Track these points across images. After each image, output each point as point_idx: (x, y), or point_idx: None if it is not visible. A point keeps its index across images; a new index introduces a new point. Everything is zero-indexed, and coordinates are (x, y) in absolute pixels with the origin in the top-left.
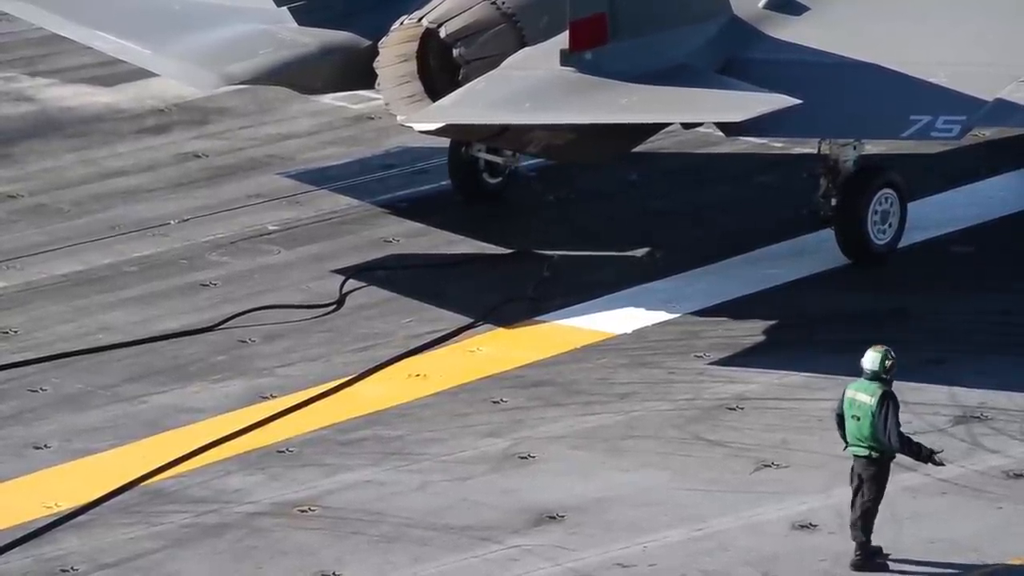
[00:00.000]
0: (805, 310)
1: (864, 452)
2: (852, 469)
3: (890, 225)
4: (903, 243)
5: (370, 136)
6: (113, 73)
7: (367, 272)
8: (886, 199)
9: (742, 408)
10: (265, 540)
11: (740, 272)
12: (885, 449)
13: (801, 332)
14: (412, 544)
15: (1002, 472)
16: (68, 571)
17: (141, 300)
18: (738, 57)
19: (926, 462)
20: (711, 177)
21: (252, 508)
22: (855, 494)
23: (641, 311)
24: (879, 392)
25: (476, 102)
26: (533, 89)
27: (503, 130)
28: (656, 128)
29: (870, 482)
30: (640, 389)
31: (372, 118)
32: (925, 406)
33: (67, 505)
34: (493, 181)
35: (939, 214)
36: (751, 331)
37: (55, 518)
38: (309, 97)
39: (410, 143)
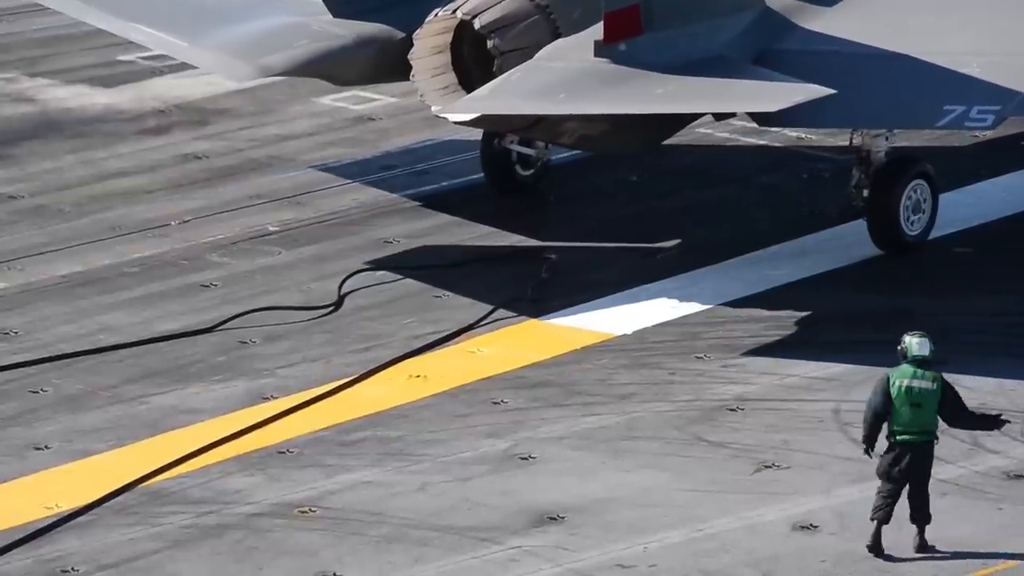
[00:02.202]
0: (805, 311)
1: (926, 439)
2: (893, 462)
3: (922, 215)
4: None
5: (371, 137)
6: (113, 74)
7: (368, 273)
8: (918, 189)
9: (743, 409)
10: (265, 541)
11: (741, 273)
12: (946, 429)
13: (802, 333)
14: (412, 545)
15: (1003, 473)
16: (68, 572)
17: (141, 301)
18: (772, 48)
19: (1001, 427)
20: (712, 178)
21: (253, 509)
22: (903, 482)
23: (641, 312)
24: (939, 376)
25: (510, 93)
26: (567, 80)
27: (537, 121)
28: (688, 119)
29: (926, 467)
30: (640, 390)
31: (372, 119)
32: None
33: (67, 506)
34: (525, 173)
35: (940, 214)
36: (751, 332)
37: (55, 519)
38: (309, 98)
39: (411, 143)
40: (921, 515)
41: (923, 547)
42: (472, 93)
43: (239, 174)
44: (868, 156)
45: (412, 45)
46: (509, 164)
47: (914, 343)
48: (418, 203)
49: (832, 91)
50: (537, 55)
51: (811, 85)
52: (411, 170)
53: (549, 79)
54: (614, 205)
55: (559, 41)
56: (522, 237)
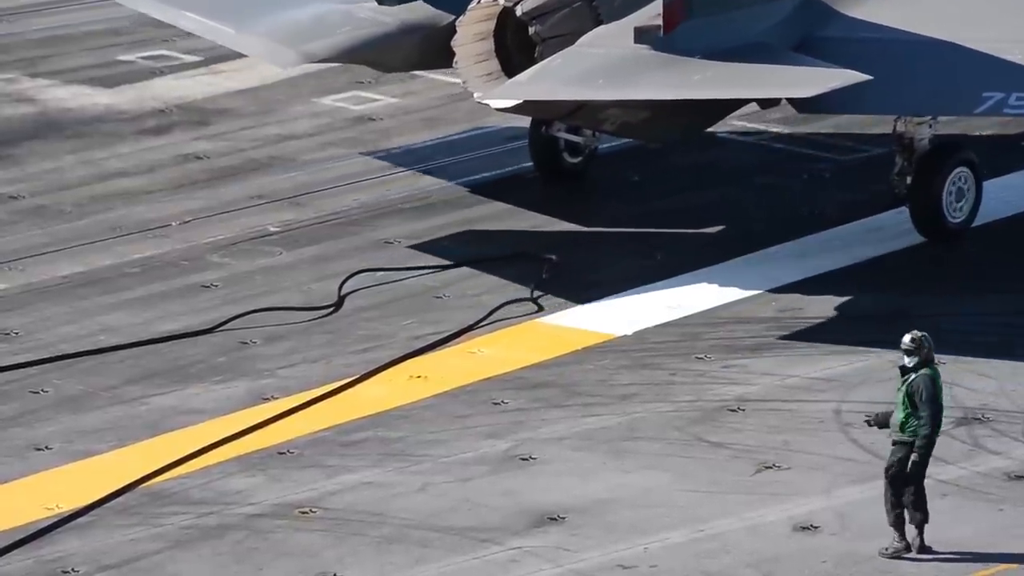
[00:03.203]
0: (806, 311)
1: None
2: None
3: (965, 203)
4: (903, 243)
5: (371, 137)
6: (113, 74)
7: (368, 274)
8: (961, 177)
9: (743, 410)
10: (266, 541)
11: (741, 273)
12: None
13: (802, 333)
14: (413, 545)
15: (1003, 474)
16: (69, 572)
17: (142, 301)
18: (814, 35)
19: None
20: (713, 178)
21: (253, 509)
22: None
23: (642, 312)
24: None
25: (550, 79)
26: (607, 66)
27: (578, 108)
28: (730, 107)
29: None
30: (641, 390)
31: (372, 119)
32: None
33: (68, 506)
34: (573, 160)
35: None
36: (752, 332)
37: (56, 519)
38: (310, 98)
39: (412, 143)
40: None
41: (923, 548)
42: (513, 79)
43: (239, 174)
44: (911, 144)
45: (456, 32)
46: (557, 151)
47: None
48: (418, 203)
49: (868, 77)
50: (578, 42)
51: (847, 71)
52: (412, 169)
53: (589, 65)
54: (614, 205)
55: (601, 28)
56: (520, 237)
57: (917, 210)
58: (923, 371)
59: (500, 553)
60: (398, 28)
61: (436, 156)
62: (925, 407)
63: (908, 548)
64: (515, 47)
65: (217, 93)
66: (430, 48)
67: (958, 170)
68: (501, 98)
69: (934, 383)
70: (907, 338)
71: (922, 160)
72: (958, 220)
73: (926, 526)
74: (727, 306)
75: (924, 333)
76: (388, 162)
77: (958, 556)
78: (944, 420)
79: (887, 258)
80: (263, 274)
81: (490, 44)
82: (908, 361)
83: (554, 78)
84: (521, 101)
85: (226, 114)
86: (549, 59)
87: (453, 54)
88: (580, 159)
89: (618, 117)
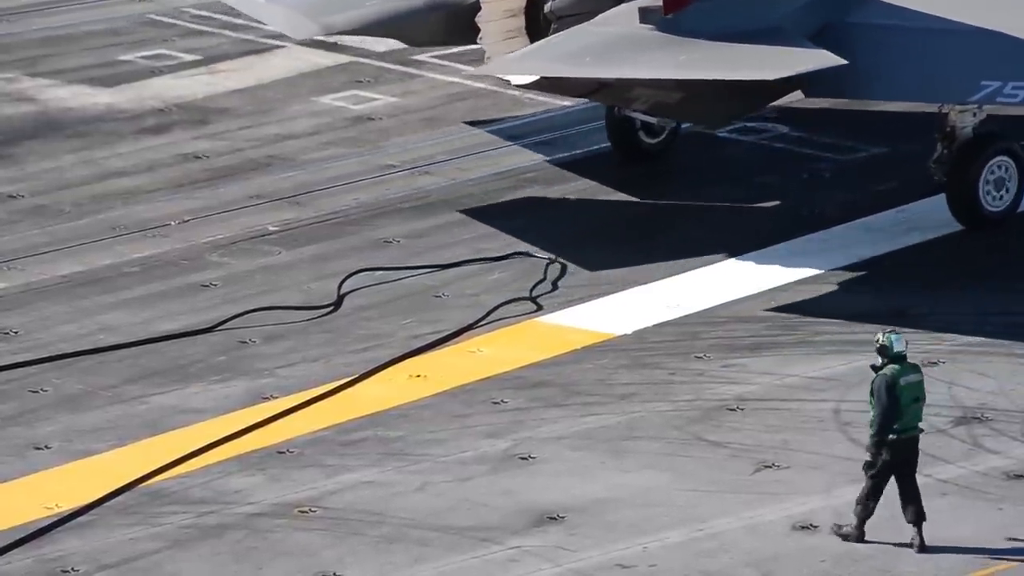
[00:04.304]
0: (805, 311)
1: (920, 431)
2: (891, 460)
3: (1006, 192)
4: (903, 243)
5: (371, 136)
6: (113, 74)
7: (367, 274)
8: (1001, 166)
9: (743, 409)
10: (266, 541)
11: (740, 273)
12: None
13: (802, 333)
14: (413, 545)
15: (1002, 473)
16: (69, 572)
17: (142, 301)
18: (835, 21)
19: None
20: (712, 178)
21: (253, 509)
22: (906, 479)
23: (641, 312)
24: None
25: (541, 55)
26: (602, 44)
27: (600, 87)
28: (770, 92)
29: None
30: (640, 390)
31: (372, 119)
32: (925, 407)
33: (68, 506)
34: (651, 141)
35: (939, 214)
36: (752, 332)
37: (56, 519)
38: (309, 98)
39: (411, 143)
40: (920, 510)
41: (922, 546)
42: (506, 55)
43: (239, 174)
44: (953, 132)
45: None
46: (632, 133)
47: (896, 342)
48: (417, 202)
49: (843, 61)
50: (590, 21)
51: (823, 53)
52: (410, 168)
53: (584, 43)
54: (615, 204)
55: (617, 7)
56: (522, 236)
57: (953, 197)
58: (882, 371)
59: (499, 552)
60: (425, 3)
61: (435, 156)
62: (874, 408)
63: (858, 537)
64: (546, 26)
65: (216, 92)
66: (458, 24)
67: (998, 159)
68: (489, 72)
69: (886, 384)
70: (878, 336)
71: (961, 148)
72: (997, 209)
73: (868, 520)
74: (726, 305)
75: (893, 332)
76: (387, 162)
77: (957, 555)
78: (944, 419)
79: (886, 258)
80: (262, 273)
81: (521, 22)
82: (879, 361)
83: (544, 55)
84: (538, 77)
85: (225, 113)
86: (551, 36)
87: (478, 30)
88: (658, 140)
89: (649, 97)
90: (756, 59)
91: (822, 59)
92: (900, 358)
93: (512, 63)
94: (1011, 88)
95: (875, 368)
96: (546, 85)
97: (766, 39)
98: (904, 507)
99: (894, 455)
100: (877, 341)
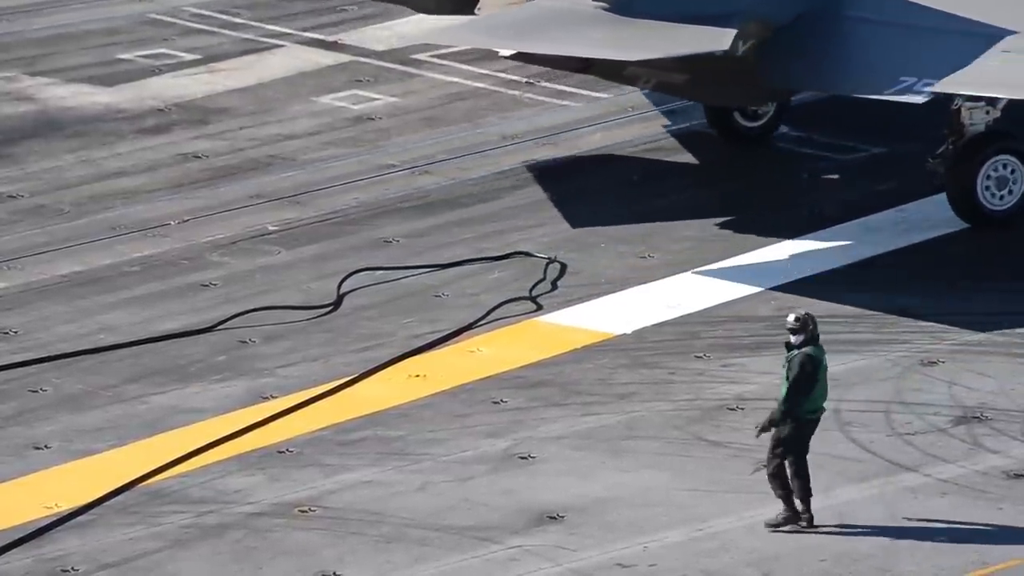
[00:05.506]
0: (805, 310)
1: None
2: (805, 437)
3: (1009, 192)
4: (903, 243)
5: (371, 136)
6: (113, 73)
7: (367, 273)
8: (1004, 165)
9: (742, 408)
10: (265, 540)
11: (740, 272)
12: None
13: None
14: (412, 544)
15: (1003, 472)
16: (68, 571)
17: (141, 300)
18: (810, 11)
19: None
20: (712, 178)
21: (252, 508)
22: (802, 458)
23: (641, 311)
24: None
25: (475, 28)
26: (544, 19)
27: (587, 63)
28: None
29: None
30: (640, 389)
31: (372, 119)
32: (925, 406)
33: (67, 505)
34: (750, 125)
35: (939, 214)
36: (751, 331)
37: (55, 518)
38: (309, 97)
39: (411, 143)
40: (808, 488)
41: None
42: (455, 23)
43: (239, 174)
44: (962, 129)
45: None
46: (729, 115)
47: (814, 320)
48: (417, 202)
49: (727, 44)
50: None
51: (717, 33)
52: (410, 168)
53: (526, 16)
54: (614, 204)
55: None
56: (522, 236)
57: (951, 195)
58: (804, 349)
59: (499, 552)
60: None
61: (435, 155)
62: (786, 383)
63: (796, 519)
64: None
65: (216, 92)
66: None
67: (1000, 157)
68: (426, 40)
69: (810, 361)
70: (791, 317)
71: (964, 146)
72: (1000, 208)
73: (811, 499)
74: (726, 305)
75: (807, 312)
76: (387, 161)
77: (957, 555)
78: (944, 419)
79: (886, 257)
80: (262, 273)
81: None
82: (794, 340)
83: (479, 27)
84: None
85: (225, 113)
86: (504, 8)
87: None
88: (758, 124)
89: (651, 76)
90: (653, 40)
91: (711, 41)
92: (817, 338)
93: (445, 32)
94: (922, 85)
95: (789, 346)
96: (523, 58)
97: (707, 22)
98: (794, 484)
99: (806, 433)
100: (797, 320)
